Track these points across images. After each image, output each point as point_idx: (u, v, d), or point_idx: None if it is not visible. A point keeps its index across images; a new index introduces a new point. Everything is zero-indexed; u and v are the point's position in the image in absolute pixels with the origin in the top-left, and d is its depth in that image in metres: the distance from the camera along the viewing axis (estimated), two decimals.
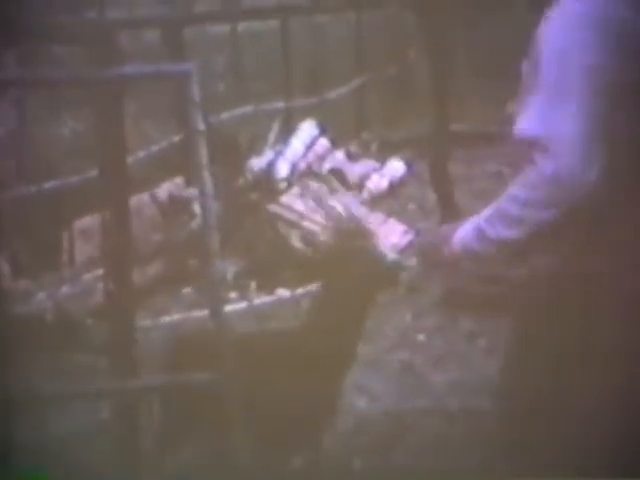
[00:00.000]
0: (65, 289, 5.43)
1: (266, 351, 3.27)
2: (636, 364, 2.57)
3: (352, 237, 3.08)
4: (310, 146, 6.81)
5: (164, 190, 6.17)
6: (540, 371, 2.57)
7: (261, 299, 5.54)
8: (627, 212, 2.29)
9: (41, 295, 5.28)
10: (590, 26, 2.24)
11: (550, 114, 2.21)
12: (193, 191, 5.79)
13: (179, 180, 6.27)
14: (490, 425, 2.73)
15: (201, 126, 3.14)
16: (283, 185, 6.27)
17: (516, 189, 2.27)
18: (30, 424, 3.64)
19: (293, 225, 5.99)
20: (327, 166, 6.84)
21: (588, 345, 2.53)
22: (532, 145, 2.22)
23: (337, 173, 6.74)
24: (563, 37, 2.25)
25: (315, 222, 5.97)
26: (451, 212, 6.41)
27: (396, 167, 7.11)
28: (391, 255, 3.07)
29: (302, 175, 6.48)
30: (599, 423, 2.58)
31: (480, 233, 2.38)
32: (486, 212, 2.37)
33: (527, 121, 2.25)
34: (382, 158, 7.24)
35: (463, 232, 2.44)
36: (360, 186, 6.78)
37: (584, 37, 2.23)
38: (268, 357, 3.25)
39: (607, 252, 2.32)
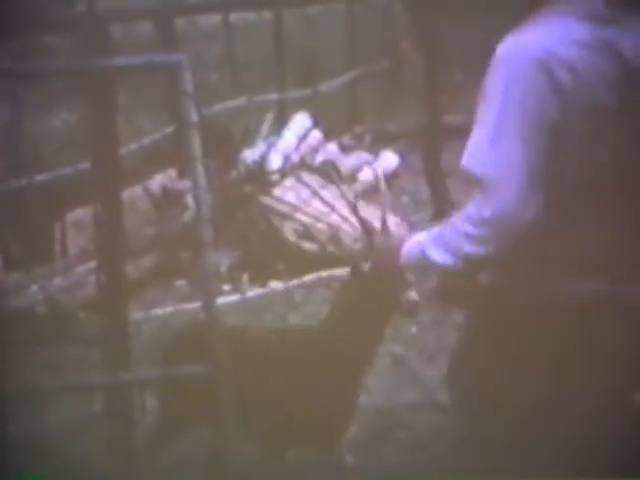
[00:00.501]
0: (57, 282, 5.41)
1: (269, 348, 3.27)
2: (636, 364, 2.56)
3: (385, 257, 3.07)
4: (303, 138, 6.79)
5: (157, 182, 6.16)
6: (539, 371, 2.57)
7: (254, 291, 5.54)
8: (563, 245, 2.34)
9: (33, 288, 5.27)
10: (538, 71, 2.26)
11: (490, 154, 2.25)
12: (186, 183, 5.77)
13: (172, 172, 6.26)
14: (482, 420, 2.73)
15: (194, 118, 3.13)
16: (276, 177, 6.25)
17: (459, 221, 2.34)
18: (23, 417, 3.63)
19: (286, 217, 5.98)
20: (320, 158, 6.83)
21: (587, 344, 2.52)
22: (474, 182, 2.28)
23: (330, 165, 6.72)
24: (512, 79, 2.27)
25: (308, 214, 5.96)
26: (444, 204, 6.40)
27: (389, 159, 7.10)
28: (413, 294, 3.07)
29: (295, 167, 6.46)
30: (599, 423, 2.57)
31: (422, 252, 2.44)
32: (434, 233, 2.43)
33: (470, 156, 2.30)
34: (375, 150, 7.22)
35: (410, 246, 2.50)
36: (353, 178, 6.77)
37: (530, 80, 2.26)
38: (271, 353, 3.24)
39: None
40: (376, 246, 2.94)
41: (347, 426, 3.26)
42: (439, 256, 2.38)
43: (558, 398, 2.56)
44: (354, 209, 3.17)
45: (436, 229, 2.45)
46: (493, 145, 2.26)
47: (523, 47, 2.29)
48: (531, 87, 2.26)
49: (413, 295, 3.05)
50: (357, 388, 3.25)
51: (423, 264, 2.44)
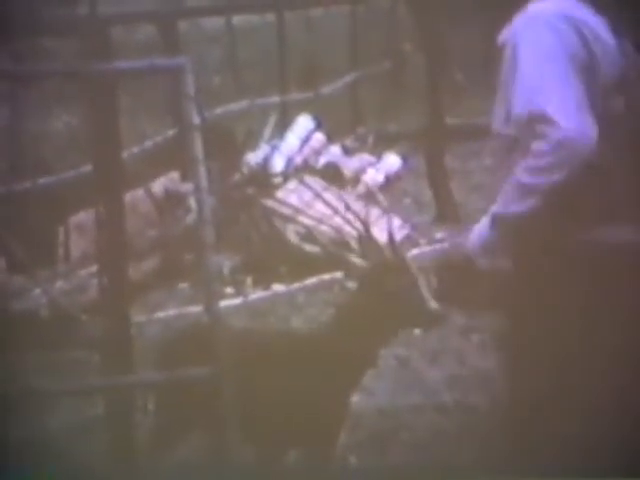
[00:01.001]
0: (60, 285, 5.41)
1: (271, 350, 3.26)
2: (636, 363, 2.59)
3: (395, 273, 3.05)
4: (306, 140, 6.79)
5: (159, 185, 6.15)
6: (540, 371, 2.60)
7: (257, 294, 5.53)
8: (621, 170, 2.66)
9: (36, 291, 5.26)
10: (569, 26, 2.64)
11: (540, 95, 2.57)
12: (188, 186, 5.77)
13: (174, 175, 6.25)
14: (485, 420, 2.74)
15: (196, 120, 3.12)
16: (279, 180, 6.25)
17: (529, 161, 2.57)
18: (25, 420, 3.63)
19: (289, 220, 5.98)
20: (323, 160, 6.82)
21: (588, 345, 2.62)
22: (532, 121, 2.56)
23: (333, 167, 6.72)
24: (538, 33, 2.63)
25: (311, 217, 5.95)
26: (447, 206, 6.40)
27: (392, 161, 7.09)
28: (432, 303, 3.06)
29: (298, 169, 6.46)
30: (599, 423, 2.60)
31: (496, 218, 2.64)
32: (497, 202, 2.64)
33: (525, 103, 2.59)
34: (378, 152, 7.22)
35: (475, 233, 2.70)
36: (356, 180, 6.76)
37: (558, 32, 2.62)
38: (273, 356, 3.23)
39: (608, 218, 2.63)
40: (384, 265, 2.97)
41: (340, 427, 3.25)
42: (517, 207, 2.60)
43: (558, 398, 2.60)
44: (366, 228, 3.19)
45: (497, 200, 2.66)
46: (547, 87, 2.58)
47: (544, 10, 2.66)
48: (566, 38, 2.62)
49: (433, 305, 3.04)
50: (353, 389, 3.23)
51: (499, 231, 2.62)
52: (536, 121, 2.57)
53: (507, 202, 2.63)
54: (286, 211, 6.00)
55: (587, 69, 2.63)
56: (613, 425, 2.61)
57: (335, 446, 3.24)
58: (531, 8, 2.68)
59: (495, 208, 2.66)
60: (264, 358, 3.25)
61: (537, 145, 2.57)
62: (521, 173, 2.60)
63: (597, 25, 2.68)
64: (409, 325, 3.22)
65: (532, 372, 2.64)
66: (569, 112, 2.56)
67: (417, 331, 4.93)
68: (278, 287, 5.60)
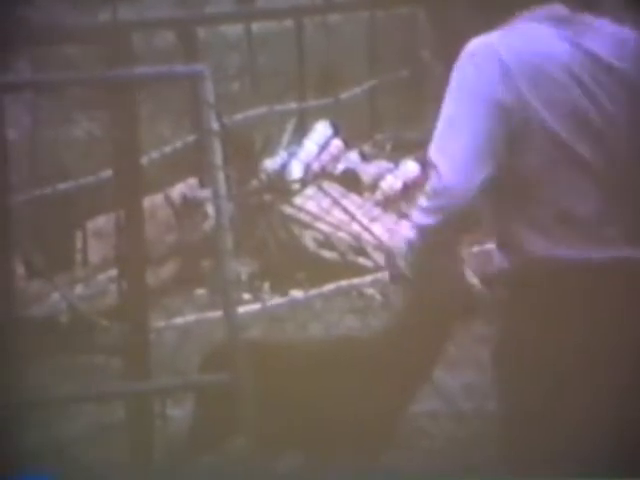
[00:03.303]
0: (79, 290, 5.43)
1: (290, 357, 3.26)
2: (636, 363, 2.62)
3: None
4: (324, 147, 6.80)
5: (178, 191, 6.17)
6: (540, 372, 2.64)
7: (274, 300, 5.54)
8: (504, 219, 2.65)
9: (55, 296, 5.28)
10: (491, 60, 2.53)
11: (444, 141, 2.57)
12: (206, 192, 5.78)
13: (193, 181, 6.27)
14: (500, 427, 2.76)
15: (215, 127, 3.14)
16: (297, 186, 6.26)
17: (419, 199, 2.63)
18: (44, 425, 3.64)
19: (306, 226, 5.98)
20: (341, 167, 6.83)
21: (588, 344, 2.62)
22: (429, 163, 2.60)
23: (351, 174, 6.73)
24: (463, 68, 2.56)
25: (328, 223, 5.96)
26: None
27: (410, 168, 7.09)
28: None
29: (316, 176, 6.46)
30: (599, 423, 2.62)
31: (406, 238, 2.71)
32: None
33: (430, 147, 2.61)
34: (396, 159, 7.22)
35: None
36: (374, 187, 6.76)
37: (481, 68, 2.53)
38: (292, 363, 3.24)
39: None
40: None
41: (382, 440, 3.25)
42: (409, 234, 2.69)
43: (559, 398, 2.63)
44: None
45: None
46: (445, 131, 2.57)
47: (479, 43, 2.58)
48: (485, 75, 2.53)
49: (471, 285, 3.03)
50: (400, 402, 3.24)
51: (405, 246, 2.72)
52: (429, 163, 2.61)
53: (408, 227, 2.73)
54: (304, 217, 6.01)
55: (509, 112, 2.52)
56: (613, 425, 2.63)
57: (354, 452, 3.24)
58: (475, 39, 2.59)
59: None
60: (283, 364, 3.25)
61: (427, 185, 2.63)
62: (415, 207, 2.67)
63: (552, 60, 2.54)
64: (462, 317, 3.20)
65: (531, 372, 2.67)
66: (454, 162, 2.54)
67: None
68: (296, 293, 5.61)
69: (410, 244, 2.67)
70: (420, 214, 2.61)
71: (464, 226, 2.65)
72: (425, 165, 7.73)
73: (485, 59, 2.54)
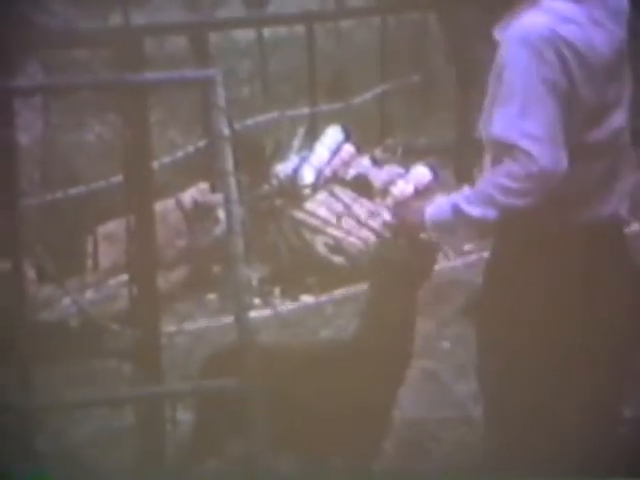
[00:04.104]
0: (90, 294, 5.44)
1: (301, 361, 3.26)
2: (637, 363, 2.66)
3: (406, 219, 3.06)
4: (335, 152, 6.79)
5: (189, 196, 6.17)
6: (538, 370, 2.68)
7: (285, 305, 5.53)
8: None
9: (66, 300, 5.29)
10: (549, 47, 2.67)
11: (523, 124, 2.66)
12: (217, 197, 5.78)
13: (204, 186, 6.27)
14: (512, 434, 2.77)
15: (226, 132, 3.13)
16: (308, 191, 6.25)
17: (502, 179, 2.69)
18: (55, 430, 3.64)
19: (317, 231, 5.98)
20: (352, 172, 6.82)
21: (587, 343, 2.72)
22: (510, 147, 2.67)
23: (362, 179, 6.72)
24: (527, 56, 2.67)
25: (340, 228, 5.95)
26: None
27: (421, 173, 7.08)
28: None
29: (327, 181, 6.46)
30: (599, 423, 2.66)
31: (457, 210, 2.74)
32: (465, 193, 2.77)
33: (502, 128, 2.70)
34: (407, 164, 7.21)
35: (435, 207, 2.80)
36: (385, 192, 6.75)
37: (544, 56, 2.66)
38: (303, 367, 3.23)
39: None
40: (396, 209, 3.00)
41: (383, 440, 3.25)
42: (477, 211, 2.72)
43: (558, 397, 2.67)
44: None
45: (466, 189, 2.78)
46: (525, 116, 2.66)
47: (531, 29, 2.69)
48: (545, 63, 2.67)
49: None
50: (391, 399, 3.23)
51: (455, 222, 2.75)
52: (511, 147, 2.67)
53: (470, 201, 2.74)
54: (315, 222, 6.00)
55: (566, 95, 2.67)
56: (613, 425, 2.66)
57: (374, 456, 3.24)
58: (522, 20, 2.70)
59: (459, 198, 2.76)
60: (294, 369, 3.25)
61: (511, 167, 2.67)
62: (491, 187, 2.71)
63: (588, 42, 2.69)
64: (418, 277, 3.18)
65: (530, 372, 2.70)
66: (543, 144, 2.65)
67: (447, 344, 4.93)
68: (307, 298, 5.60)
69: (481, 221, 2.70)
70: (506, 195, 2.67)
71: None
72: (436, 170, 7.64)
73: (543, 45, 2.67)
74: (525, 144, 2.64)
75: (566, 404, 2.70)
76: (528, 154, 2.64)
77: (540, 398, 2.71)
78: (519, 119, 2.66)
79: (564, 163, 2.66)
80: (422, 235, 2.89)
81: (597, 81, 2.71)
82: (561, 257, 2.74)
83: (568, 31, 2.68)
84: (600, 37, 2.72)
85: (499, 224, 2.80)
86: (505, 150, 2.68)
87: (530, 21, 2.70)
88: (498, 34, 2.75)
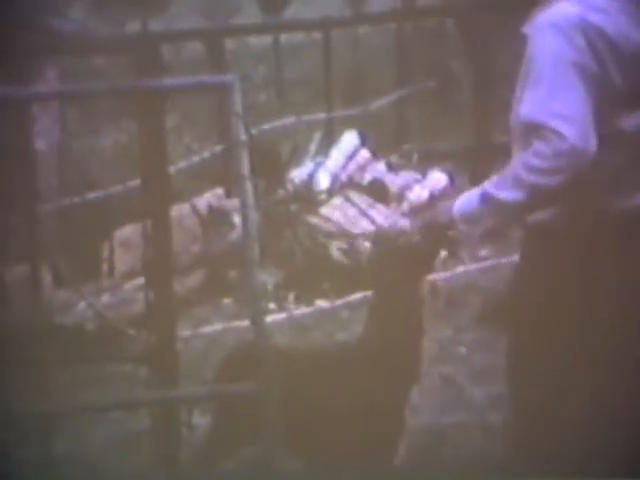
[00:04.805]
0: (106, 299, 5.45)
1: (316, 365, 3.26)
2: (637, 362, 2.66)
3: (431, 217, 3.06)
4: (351, 157, 6.79)
5: (204, 201, 6.19)
6: (541, 371, 2.69)
7: (301, 310, 5.53)
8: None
9: (82, 305, 5.30)
10: (578, 34, 2.70)
11: (554, 104, 2.68)
12: (233, 202, 5.79)
13: (219, 191, 6.28)
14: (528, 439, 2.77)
15: (242, 137, 3.14)
16: (324, 196, 6.25)
17: (531, 159, 2.70)
18: (71, 433, 3.65)
19: (333, 236, 5.98)
20: (368, 177, 6.82)
21: (589, 345, 2.72)
22: (540, 128, 2.68)
23: (378, 184, 6.72)
24: (556, 40, 2.70)
25: (355, 234, 5.95)
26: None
27: (437, 179, 7.07)
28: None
29: (343, 186, 6.46)
30: (599, 423, 2.66)
31: (486, 196, 2.75)
32: (493, 180, 2.78)
33: (531, 110, 2.71)
34: (423, 169, 7.20)
35: (463, 199, 2.82)
36: (401, 197, 6.75)
37: (574, 41, 2.69)
38: (318, 371, 3.23)
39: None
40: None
41: (397, 441, 3.25)
42: (507, 194, 2.72)
43: (559, 398, 2.68)
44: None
45: (494, 177, 2.80)
46: (555, 97, 2.68)
47: (561, 16, 2.73)
48: (575, 47, 2.69)
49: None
50: (403, 398, 3.22)
51: (485, 209, 2.76)
52: (541, 128, 2.69)
53: (499, 186, 2.75)
54: (330, 227, 6.00)
55: (596, 79, 2.69)
56: (613, 425, 2.66)
57: (389, 460, 3.24)
58: (552, 9, 2.74)
59: (488, 186, 2.77)
60: (309, 373, 3.25)
61: (540, 146, 2.69)
62: (520, 167, 2.72)
63: (620, 32, 2.72)
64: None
65: (533, 373, 2.71)
66: (573, 123, 2.66)
67: (463, 349, 4.92)
68: (322, 303, 5.60)
69: (510, 204, 2.70)
70: (534, 174, 2.67)
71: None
72: (452, 175, 7.63)
73: (573, 30, 2.70)
74: (555, 124, 2.65)
75: (566, 404, 2.71)
76: (558, 133, 2.65)
77: (568, 400, 2.71)
78: (548, 100, 2.68)
79: (594, 143, 2.66)
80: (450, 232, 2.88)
81: (630, 69, 2.72)
82: (595, 252, 2.73)
83: (598, 19, 2.71)
84: (632, 27, 2.74)
85: (528, 222, 2.78)
86: (534, 132, 2.68)
87: (560, 9, 2.73)
88: (527, 29, 2.78)
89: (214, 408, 3.39)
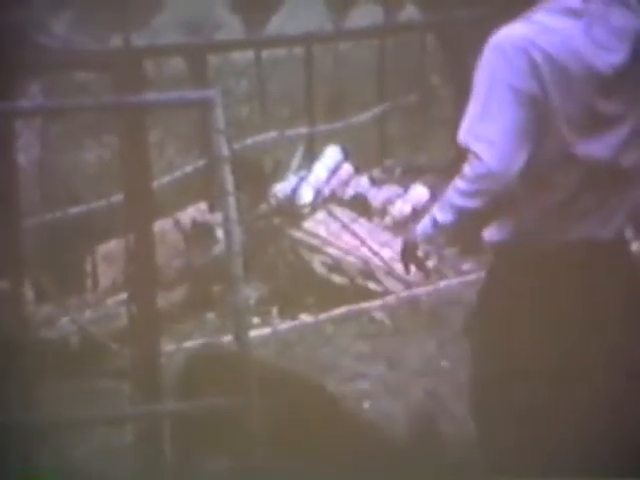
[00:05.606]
0: (89, 314, 5.44)
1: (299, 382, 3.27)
2: (637, 361, 2.68)
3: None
4: (334, 171, 6.82)
5: (187, 215, 6.19)
6: (538, 371, 2.71)
7: (285, 324, 5.54)
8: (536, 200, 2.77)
9: (65, 320, 5.29)
10: (520, 53, 2.68)
11: (481, 126, 2.70)
12: (216, 216, 5.79)
13: (202, 206, 6.29)
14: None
15: (225, 152, 3.15)
16: (307, 211, 6.27)
17: (457, 181, 2.76)
18: (53, 449, 3.64)
19: (316, 251, 5.99)
20: (351, 192, 6.84)
21: (587, 344, 2.75)
22: (468, 149, 2.73)
23: (360, 199, 6.74)
24: (495, 61, 2.70)
25: (338, 248, 5.96)
26: (474, 238, 6.38)
27: (420, 193, 7.10)
28: None
29: (326, 201, 6.48)
30: (599, 423, 2.68)
31: (433, 219, 2.82)
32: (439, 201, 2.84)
33: (465, 132, 2.75)
34: (406, 184, 7.23)
35: (421, 222, 2.88)
36: (383, 212, 6.77)
37: (513, 63, 2.68)
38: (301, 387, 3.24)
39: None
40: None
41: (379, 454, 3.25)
42: (441, 216, 2.78)
43: (559, 397, 2.69)
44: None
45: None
46: (483, 120, 2.70)
47: (507, 37, 2.72)
48: (514, 69, 2.68)
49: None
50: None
51: (433, 231, 2.82)
52: (468, 150, 2.72)
53: (438, 207, 2.81)
54: (313, 242, 6.01)
55: (537, 103, 2.67)
56: (613, 425, 2.68)
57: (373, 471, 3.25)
58: (503, 29, 2.74)
59: (435, 210, 2.83)
60: (292, 389, 3.26)
61: (465, 169, 2.73)
62: (450, 190, 2.77)
63: (575, 56, 2.68)
64: None
65: (529, 372, 2.73)
66: (493, 146, 2.66)
67: (446, 363, 4.93)
68: (305, 318, 5.61)
69: (443, 225, 2.76)
70: (459, 197, 2.72)
71: (497, 210, 2.75)
72: (434, 190, 7.69)
73: (514, 51, 2.68)
74: (477, 147, 2.68)
75: (566, 405, 2.72)
76: (479, 156, 2.67)
77: (541, 407, 2.73)
78: (477, 122, 2.69)
79: (515, 168, 2.66)
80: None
81: (583, 94, 2.69)
82: (557, 276, 2.75)
83: (548, 41, 2.68)
84: (595, 52, 2.70)
85: (496, 243, 2.81)
86: (467, 153, 2.73)
87: (508, 30, 2.72)
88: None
89: (195, 422, 3.39)
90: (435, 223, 2.78)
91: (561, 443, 2.70)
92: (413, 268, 2.92)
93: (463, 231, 2.84)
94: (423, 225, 2.85)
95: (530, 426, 2.72)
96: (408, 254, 2.91)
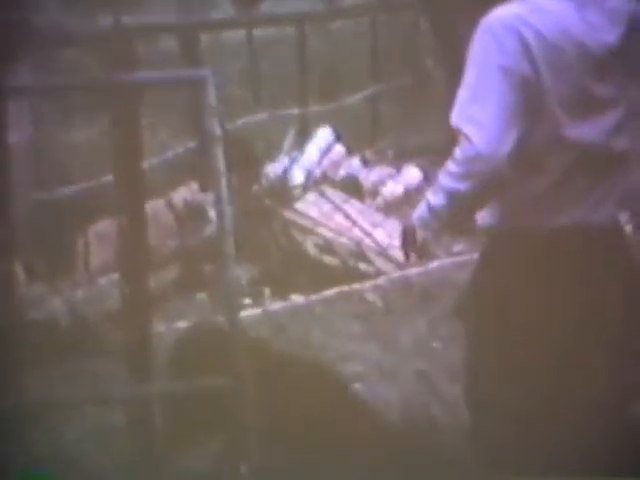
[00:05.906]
0: (80, 294, 5.44)
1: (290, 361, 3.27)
2: (637, 361, 2.68)
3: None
4: (326, 152, 6.81)
5: (179, 196, 6.18)
6: (537, 369, 2.70)
7: (275, 305, 5.54)
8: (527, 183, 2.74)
9: (56, 300, 5.29)
10: (510, 33, 2.65)
11: (470, 108, 2.67)
12: (208, 197, 5.79)
13: (194, 186, 6.28)
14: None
15: (217, 132, 3.14)
16: (298, 192, 6.26)
17: (448, 164, 2.73)
18: (45, 429, 3.64)
19: (307, 231, 5.99)
20: (342, 173, 6.83)
21: (587, 342, 2.74)
22: (459, 131, 2.70)
23: (352, 180, 6.73)
24: (485, 42, 2.67)
25: (330, 229, 5.96)
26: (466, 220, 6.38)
27: (412, 174, 7.09)
28: None
29: (317, 182, 6.47)
30: (599, 423, 2.68)
31: (427, 203, 2.79)
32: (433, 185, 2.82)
33: (454, 113, 2.72)
34: (398, 165, 7.22)
35: (418, 207, 2.84)
36: (375, 193, 6.77)
37: (504, 44, 2.65)
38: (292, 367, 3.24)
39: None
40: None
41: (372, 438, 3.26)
42: (434, 199, 2.76)
43: (558, 397, 2.68)
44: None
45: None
46: (473, 101, 2.67)
47: (497, 18, 2.69)
48: (504, 50, 2.65)
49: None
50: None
51: (427, 212, 2.79)
52: (459, 131, 2.70)
53: (432, 191, 2.79)
54: (305, 223, 6.01)
55: (528, 84, 2.65)
56: (613, 425, 2.68)
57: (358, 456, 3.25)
58: (495, 10, 2.71)
59: (429, 194, 2.81)
60: (283, 368, 3.26)
61: (456, 151, 2.71)
62: (442, 172, 2.75)
63: (569, 36, 2.66)
64: None
65: (528, 370, 2.72)
66: (483, 128, 2.64)
67: (437, 344, 4.94)
68: (297, 298, 5.61)
69: (436, 209, 2.73)
70: (450, 179, 2.70)
71: (489, 193, 2.72)
72: (427, 171, 7.67)
73: (504, 31, 2.65)
74: (467, 129, 2.65)
75: (564, 404, 2.72)
76: (469, 138, 2.65)
77: (536, 398, 2.72)
78: (468, 104, 2.67)
79: (505, 149, 2.63)
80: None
81: (576, 76, 2.67)
82: (550, 260, 2.74)
83: (541, 20, 2.66)
84: (588, 33, 2.68)
85: (488, 226, 2.80)
86: (458, 135, 2.71)
87: (500, 10, 2.70)
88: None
89: (186, 403, 3.39)
90: (430, 207, 2.76)
91: (560, 443, 2.69)
92: (413, 256, 2.91)
93: (457, 217, 2.80)
94: (419, 209, 2.83)
95: (526, 418, 2.71)
96: (408, 242, 2.89)
